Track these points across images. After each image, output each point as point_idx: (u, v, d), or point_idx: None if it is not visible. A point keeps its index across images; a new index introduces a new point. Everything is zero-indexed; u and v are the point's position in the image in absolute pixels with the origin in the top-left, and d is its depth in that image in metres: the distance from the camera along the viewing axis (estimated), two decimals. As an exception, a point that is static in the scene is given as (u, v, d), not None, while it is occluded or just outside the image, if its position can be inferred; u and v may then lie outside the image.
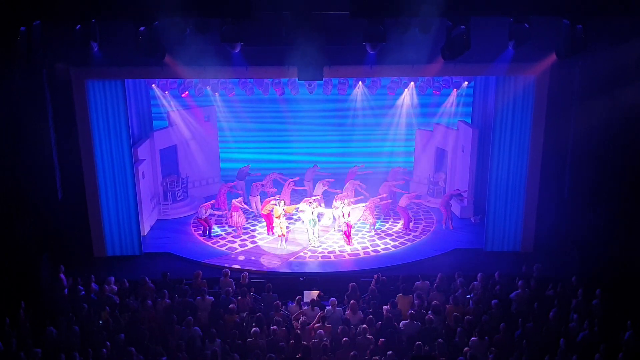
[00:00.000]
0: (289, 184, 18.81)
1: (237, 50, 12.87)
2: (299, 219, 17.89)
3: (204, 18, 11.92)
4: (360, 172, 19.84)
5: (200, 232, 17.89)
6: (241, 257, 16.40)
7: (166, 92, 19.37)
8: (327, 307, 12.74)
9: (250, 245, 17.22)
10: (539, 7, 11.56)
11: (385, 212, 19.09)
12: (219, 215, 18.45)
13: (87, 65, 14.54)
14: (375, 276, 14.02)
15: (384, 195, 18.78)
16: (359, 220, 17.82)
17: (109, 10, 11.67)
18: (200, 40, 12.90)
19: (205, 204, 17.81)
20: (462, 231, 18.04)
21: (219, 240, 17.54)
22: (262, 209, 17.86)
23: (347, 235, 17.10)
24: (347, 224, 17.05)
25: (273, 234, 17.60)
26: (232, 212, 17.76)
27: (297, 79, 14.81)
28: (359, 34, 12.14)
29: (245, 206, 18.22)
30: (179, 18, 11.71)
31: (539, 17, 12.03)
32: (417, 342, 11.28)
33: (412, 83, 19.63)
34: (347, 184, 18.91)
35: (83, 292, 13.43)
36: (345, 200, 17.25)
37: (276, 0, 12.20)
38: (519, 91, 15.60)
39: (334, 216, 17.87)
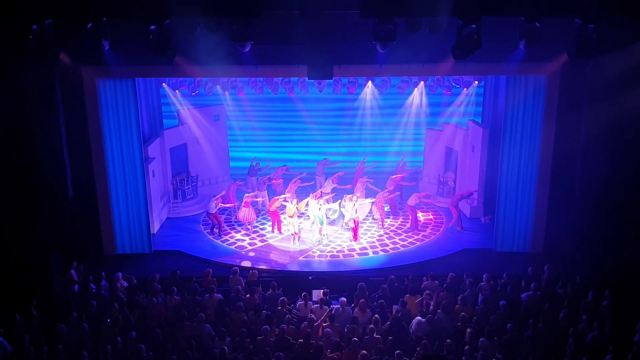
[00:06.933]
0: (294, 181, 18.76)
1: (247, 49, 12.88)
2: (308, 217, 17.91)
3: (214, 17, 11.94)
4: (367, 167, 19.79)
5: (210, 229, 17.93)
6: (251, 254, 16.47)
7: (177, 91, 19.45)
8: (337, 306, 12.74)
9: (260, 244, 17.27)
10: (550, 6, 11.50)
11: (394, 211, 19.05)
12: (228, 212, 18.45)
13: (98, 64, 14.59)
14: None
15: (391, 188, 18.75)
16: (367, 216, 17.77)
17: (120, 9, 11.72)
18: (211, 39, 12.92)
19: (217, 197, 17.75)
20: (472, 231, 17.97)
21: (229, 238, 17.58)
22: (269, 206, 17.85)
23: (355, 231, 17.10)
24: (354, 220, 17.04)
25: (277, 231, 17.66)
26: (243, 208, 17.76)
27: (306, 78, 14.82)
28: (369, 33, 12.11)
29: (258, 199, 18.30)
30: (189, 17, 11.75)
31: (551, 17, 11.96)
32: (424, 341, 11.28)
33: (422, 82, 19.61)
34: (357, 183, 18.87)
35: (94, 290, 13.51)
36: (354, 197, 17.24)
37: (286, -1, 12.22)
38: (529, 91, 15.53)
39: (341, 212, 17.81)
